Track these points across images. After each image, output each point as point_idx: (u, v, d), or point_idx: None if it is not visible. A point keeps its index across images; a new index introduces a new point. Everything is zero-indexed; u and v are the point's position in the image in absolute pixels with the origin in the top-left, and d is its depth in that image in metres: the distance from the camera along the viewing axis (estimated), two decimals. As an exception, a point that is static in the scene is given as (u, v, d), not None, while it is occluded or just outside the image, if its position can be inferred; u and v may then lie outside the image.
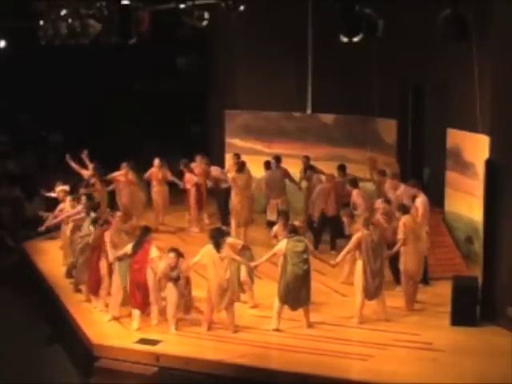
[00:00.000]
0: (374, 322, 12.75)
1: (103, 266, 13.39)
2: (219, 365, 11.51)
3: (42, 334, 13.79)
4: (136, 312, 12.71)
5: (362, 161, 17.88)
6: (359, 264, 12.65)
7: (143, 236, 12.82)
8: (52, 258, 16.42)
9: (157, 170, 18.18)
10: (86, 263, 13.74)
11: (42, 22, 17.10)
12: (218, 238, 12.29)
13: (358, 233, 12.73)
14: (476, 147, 14.33)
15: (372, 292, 12.69)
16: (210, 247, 12.28)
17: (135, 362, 11.91)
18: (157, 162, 18.15)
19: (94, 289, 13.53)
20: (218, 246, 12.20)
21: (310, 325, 12.59)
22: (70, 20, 15.96)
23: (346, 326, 12.70)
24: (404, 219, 13.33)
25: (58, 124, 23.58)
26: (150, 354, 11.91)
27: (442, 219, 16.12)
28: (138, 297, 12.64)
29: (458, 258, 15.21)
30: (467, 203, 15.06)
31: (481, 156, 13.49)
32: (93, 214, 14.20)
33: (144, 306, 12.67)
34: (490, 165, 12.84)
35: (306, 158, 17.99)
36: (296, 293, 12.34)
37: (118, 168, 17.79)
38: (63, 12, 16.22)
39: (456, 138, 15.74)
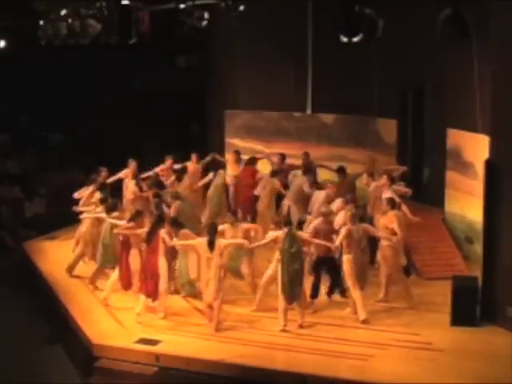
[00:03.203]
0: (374, 322, 12.75)
1: (135, 261, 13.42)
2: (219, 365, 11.51)
3: (42, 334, 13.79)
4: (142, 298, 12.83)
5: (362, 161, 17.87)
6: (347, 259, 12.65)
7: (157, 225, 12.91)
8: (52, 258, 16.42)
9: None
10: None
11: (42, 22, 17.11)
12: (212, 235, 12.32)
13: (346, 226, 12.78)
14: (476, 147, 14.33)
15: (360, 284, 12.75)
16: (204, 241, 12.33)
17: (135, 362, 11.91)
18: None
19: (127, 285, 13.55)
20: (211, 244, 12.24)
21: (302, 325, 12.56)
22: (70, 20, 15.97)
23: (346, 326, 12.70)
24: (396, 213, 13.35)
25: (58, 124, 23.59)
26: (149, 353, 11.90)
27: (441, 219, 16.12)
28: (150, 286, 12.76)
29: (458, 257, 15.21)
30: (467, 203, 15.07)
31: (481, 156, 13.49)
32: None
33: (156, 294, 12.82)
34: (489, 165, 12.84)
35: (306, 155, 17.98)
36: (291, 287, 12.36)
37: (117, 167, 17.72)
38: (63, 12, 16.23)
39: (456, 138, 15.75)
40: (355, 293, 12.72)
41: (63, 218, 15.79)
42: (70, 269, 15.31)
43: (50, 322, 14.26)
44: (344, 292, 13.28)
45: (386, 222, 13.28)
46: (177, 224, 13.31)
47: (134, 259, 13.41)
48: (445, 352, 11.70)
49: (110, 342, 12.30)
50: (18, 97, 23.17)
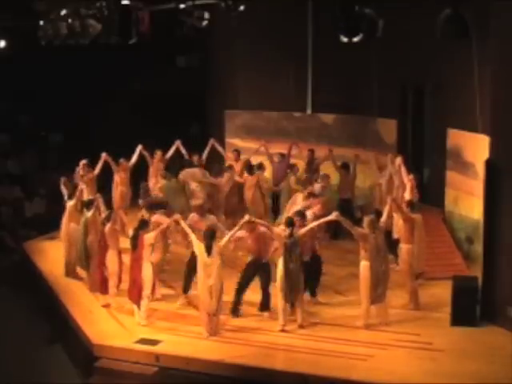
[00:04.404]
0: (375, 322, 12.73)
1: (113, 262, 13.40)
2: (219, 365, 11.51)
3: (42, 334, 13.79)
4: (136, 307, 12.82)
5: (362, 161, 17.85)
6: (364, 266, 12.51)
7: (140, 229, 12.81)
8: (52, 258, 16.41)
9: None
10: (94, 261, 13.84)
11: (42, 22, 17.10)
12: (209, 240, 12.24)
13: (367, 230, 12.56)
14: (476, 147, 14.34)
15: (375, 297, 12.55)
16: (203, 247, 12.29)
17: (135, 362, 11.91)
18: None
19: (103, 287, 13.56)
20: (208, 249, 12.20)
21: (302, 325, 12.54)
22: (70, 20, 15.96)
23: (346, 326, 12.69)
24: (415, 216, 13.38)
25: (58, 124, 23.59)
26: (149, 353, 11.90)
27: (442, 219, 16.12)
28: (136, 293, 12.70)
29: (458, 257, 15.21)
30: (467, 203, 15.07)
31: (481, 156, 13.49)
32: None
33: (140, 302, 12.78)
34: (489, 165, 12.84)
35: (311, 152, 18.01)
36: (292, 287, 12.30)
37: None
38: (63, 12, 16.23)
39: (456, 138, 15.75)
40: (363, 302, 12.58)
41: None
42: (67, 273, 15.37)
43: (50, 322, 14.26)
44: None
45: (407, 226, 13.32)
46: (152, 207, 13.79)
47: (112, 260, 13.42)
48: (445, 352, 11.71)
49: (110, 342, 12.30)
50: (18, 97, 23.17)
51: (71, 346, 13.08)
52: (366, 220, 12.67)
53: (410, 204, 13.68)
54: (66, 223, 15.37)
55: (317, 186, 15.45)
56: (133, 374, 11.75)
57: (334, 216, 12.64)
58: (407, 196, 14.50)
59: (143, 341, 12.21)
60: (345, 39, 12.14)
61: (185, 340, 12.29)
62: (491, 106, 13.05)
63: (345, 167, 17.25)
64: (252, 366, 11.41)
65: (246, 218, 12.73)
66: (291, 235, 12.37)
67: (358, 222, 13.02)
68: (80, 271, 14.97)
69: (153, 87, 23.63)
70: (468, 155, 15.12)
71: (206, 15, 15.03)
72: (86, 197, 15.47)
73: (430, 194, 16.96)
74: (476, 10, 13.05)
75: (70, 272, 15.23)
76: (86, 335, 12.54)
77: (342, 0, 12.09)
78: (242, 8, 14.29)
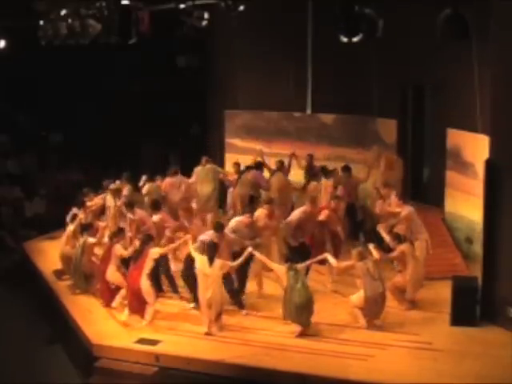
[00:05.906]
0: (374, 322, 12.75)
1: (116, 276, 13.38)
2: (219, 365, 11.52)
3: (42, 334, 13.79)
4: (127, 311, 12.87)
5: (362, 161, 17.86)
6: (358, 296, 12.54)
7: (145, 244, 12.87)
8: (52, 258, 16.40)
9: None
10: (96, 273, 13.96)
11: (42, 22, 17.10)
12: (211, 252, 12.28)
13: (352, 261, 12.63)
14: (476, 147, 14.34)
15: (370, 316, 12.58)
16: (204, 259, 12.30)
17: (135, 362, 11.92)
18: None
19: (108, 299, 13.56)
20: (210, 260, 12.22)
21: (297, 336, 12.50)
22: (69, 20, 15.96)
23: (346, 326, 12.70)
24: (403, 247, 13.29)
25: (58, 124, 23.60)
26: (149, 353, 11.91)
27: (441, 219, 16.13)
28: (135, 303, 12.71)
29: (458, 257, 15.22)
30: (467, 203, 15.07)
31: (481, 156, 13.49)
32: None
33: (141, 311, 12.77)
34: (489, 165, 12.84)
35: (310, 157, 17.97)
36: (300, 315, 12.27)
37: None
38: (63, 12, 16.23)
39: (456, 138, 15.75)
40: (360, 322, 12.62)
41: (63, 218, 15.79)
42: (57, 274, 15.43)
43: (50, 322, 14.27)
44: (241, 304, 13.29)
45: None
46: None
47: (113, 273, 13.41)
48: (445, 352, 11.71)
49: (109, 342, 12.31)
50: (17, 97, 23.17)
51: (71, 346, 13.10)
52: (354, 252, 12.70)
53: (396, 237, 13.54)
54: (63, 244, 15.31)
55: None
56: (133, 374, 11.75)
57: (324, 256, 12.87)
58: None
59: (143, 341, 12.21)
60: (345, 39, 12.15)
61: (185, 340, 12.30)
62: (491, 105, 13.04)
63: (346, 170, 17.09)
64: (252, 366, 11.42)
65: (249, 250, 12.75)
66: (291, 268, 12.34)
67: (360, 224, 13.01)
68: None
69: (153, 87, 23.63)
70: (468, 155, 15.12)
71: (206, 15, 15.02)
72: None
73: (430, 194, 16.98)
74: (476, 10, 13.05)
75: (58, 276, 15.31)
76: (86, 335, 12.55)
77: (342, 0, 12.10)
78: (241, 8, 14.28)
